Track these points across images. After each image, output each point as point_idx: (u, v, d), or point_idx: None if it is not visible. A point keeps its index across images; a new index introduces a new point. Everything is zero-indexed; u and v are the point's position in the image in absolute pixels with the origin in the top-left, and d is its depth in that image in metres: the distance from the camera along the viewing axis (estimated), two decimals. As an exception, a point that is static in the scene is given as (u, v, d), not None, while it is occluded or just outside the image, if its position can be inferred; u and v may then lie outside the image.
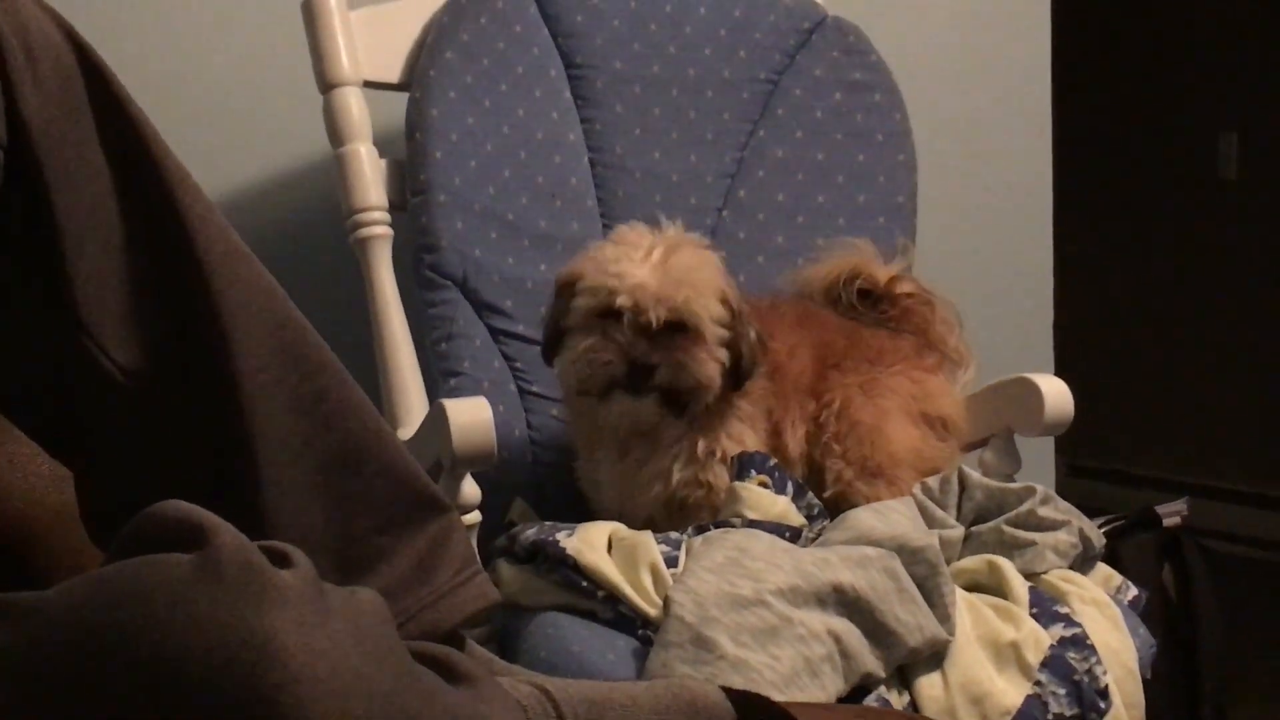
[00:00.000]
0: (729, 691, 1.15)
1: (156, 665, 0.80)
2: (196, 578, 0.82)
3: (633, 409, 1.73)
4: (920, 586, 1.56)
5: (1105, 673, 1.58)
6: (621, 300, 1.68)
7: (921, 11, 2.72)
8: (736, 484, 1.75)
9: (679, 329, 1.71)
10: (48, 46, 0.96)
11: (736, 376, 1.76)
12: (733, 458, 1.79)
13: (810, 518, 1.79)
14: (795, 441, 1.89)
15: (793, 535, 1.68)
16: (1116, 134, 5.30)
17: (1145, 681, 1.66)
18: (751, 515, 1.71)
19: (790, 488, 1.79)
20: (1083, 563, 1.77)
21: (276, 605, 0.82)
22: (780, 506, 1.74)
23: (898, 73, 2.29)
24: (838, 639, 1.46)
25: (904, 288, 2.07)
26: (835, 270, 2.07)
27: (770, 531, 1.65)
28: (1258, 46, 4.90)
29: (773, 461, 1.80)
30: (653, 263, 1.71)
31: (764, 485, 1.76)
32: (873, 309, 2.05)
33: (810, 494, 1.82)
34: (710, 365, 1.72)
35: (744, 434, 1.83)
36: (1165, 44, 5.20)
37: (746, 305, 1.82)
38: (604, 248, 1.75)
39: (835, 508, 1.84)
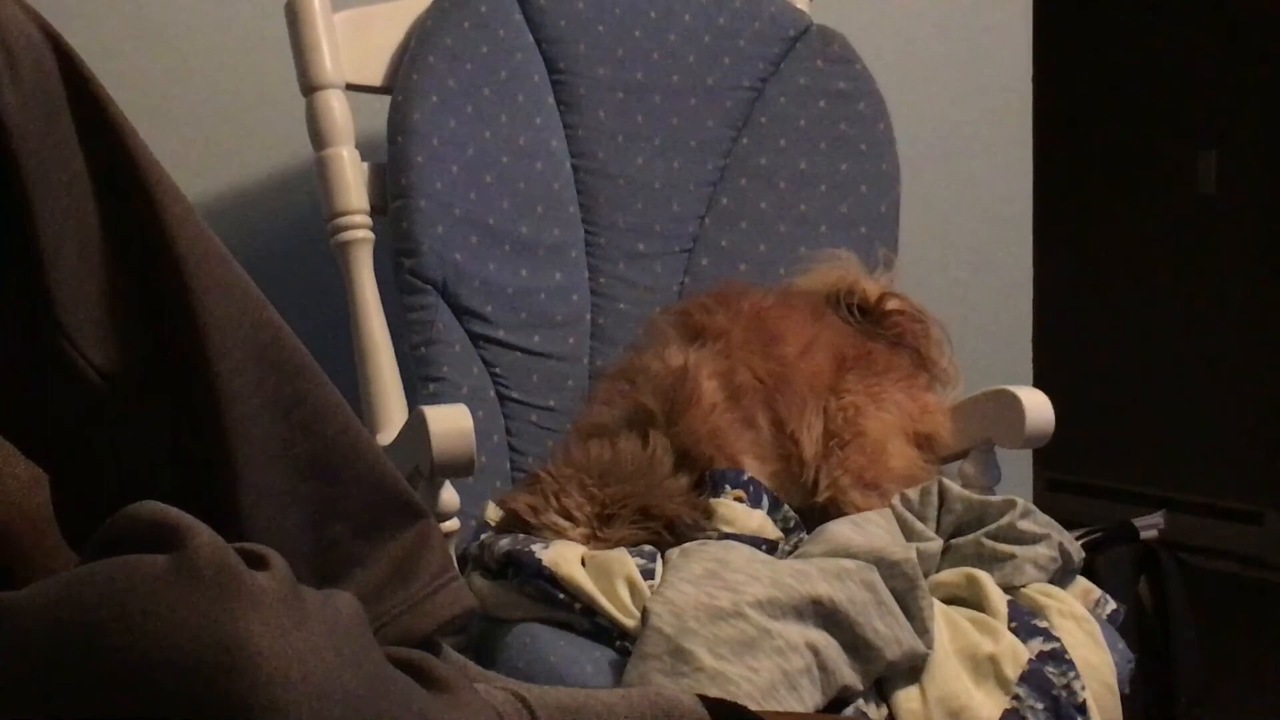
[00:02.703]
0: (705, 699, 1.15)
1: (129, 666, 0.79)
2: (171, 579, 0.81)
3: None
4: (898, 599, 1.56)
5: (1083, 688, 1.58)
6: None
7: (905, 23, 2.73)
8: (712, 500, 1.75)
9: None
10: (27, 46, 0.96)
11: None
12: (707, 473, 1.79)
13: (786, 531, 1.78)
14: (811, 441, 1.90)
15: (768, 548, 1.68)
16: (1097, 149, 5.33)
17: (1124, 697, 1.66)
18: (727, 530, 1.71)
19: (766, 501, 1.78)
20: (1062, 576, 1.77)
21: (251, 608, 0.82)
22: (756, 521, 1.74)
23: (881, 83, 2.29)
24: (816, 651, 1.46)
25: (893, 304, 2.07)
26: (830, 284, 2.07)
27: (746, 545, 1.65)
28: (1236, 67, 4.93)
29: (747, 475, 1.80)
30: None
31: (739, 500, 1.76)
32: (873, 324, 2.06)
33: (786, 507, 1.82)
34: None
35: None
36: (1145, 63, 5.22)
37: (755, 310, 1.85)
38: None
39: (824, 514, 1.84)
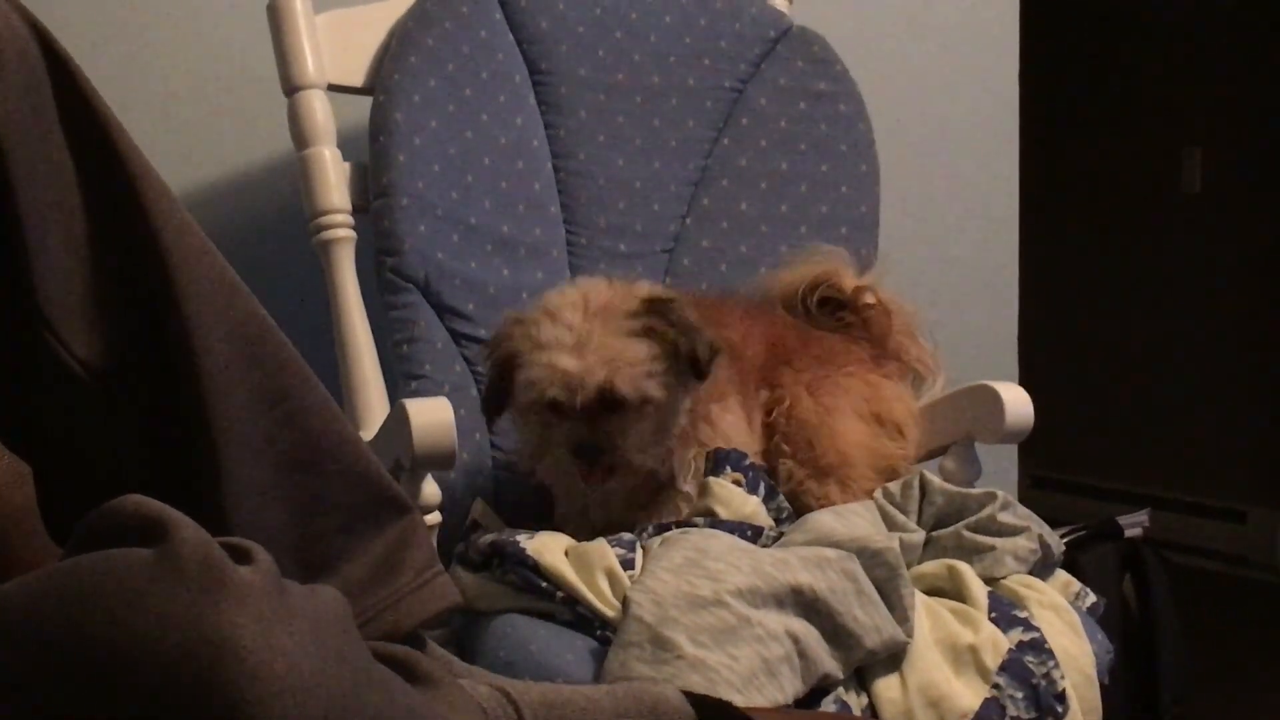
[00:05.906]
0: (690, 695, 1.15)
1: (113, 661, 0.79)
2: (155, 573, 0.81)
3: (605, 494, 1.77)
4: (880, 589, 1.56)
5: (1063, 677, 1.59)
6: (554, 393, 1.69)
7: (888, 23, 2.73)
8: (710, 479, 1.77)
9: (611, 405, 1.71)
10: (13, 39, 0.96)
11: (697, 370, 1.75)
12: (709, 451, 1.80)
13: (779, 520, 1.79)
14: (755, 426, 1.91)
15: (753, 534, 1.69)
16: (1082, 148, 5.33)
17: (1103, 687, 1.67)
18: (721, 512, 1.72)
19: (763, 489, 1.79)
20: (1042, 568, 1.78)
21: (236, 602, 0.81)
22: (750, 507, 1.75)
23: (863, 84, 2.30)
24: (796, 640, 1.47)
25: (867, 298, 2.08)
26: (802, 277, 2.08)
27: (731, 530, 1.66)
28: (1220, 65, 4.94)
29: (749, 460, 1.81)
30: (579, 343, 1.70)
31: (737, 483, 1.77)
32: (831, 315, 2.06)
33: (781, 497, 1.83)
34: (640, 436, 1.73)
35: (726, 424, 1.85)
36: (1131, 61, 5.23)
37: (692, 301, 1.84)
38: (539, 322, 1.73)
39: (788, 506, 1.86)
